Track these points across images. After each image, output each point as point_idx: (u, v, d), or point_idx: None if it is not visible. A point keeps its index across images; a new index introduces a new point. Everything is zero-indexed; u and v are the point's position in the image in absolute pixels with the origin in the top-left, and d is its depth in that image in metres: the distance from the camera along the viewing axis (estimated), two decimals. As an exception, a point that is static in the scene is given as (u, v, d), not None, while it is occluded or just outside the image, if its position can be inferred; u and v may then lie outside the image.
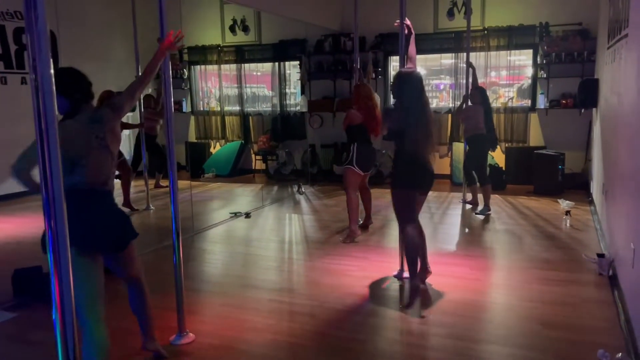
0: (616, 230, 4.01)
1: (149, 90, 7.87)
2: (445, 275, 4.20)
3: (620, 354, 2.75)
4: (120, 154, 6.48)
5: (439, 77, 9.15)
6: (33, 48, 1.46)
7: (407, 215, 3.77)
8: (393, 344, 3.14)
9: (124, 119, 3.33)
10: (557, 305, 3.56)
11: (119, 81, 9.13)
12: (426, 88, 9.04)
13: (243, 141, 9.91)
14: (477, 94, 6.54)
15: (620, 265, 3.69)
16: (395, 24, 4.14)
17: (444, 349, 2.99)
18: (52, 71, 1.46)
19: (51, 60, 1.50)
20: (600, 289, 3.82)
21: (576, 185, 7.37)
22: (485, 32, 8.11)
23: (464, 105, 6.81)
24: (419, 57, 8.71)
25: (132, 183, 6.78)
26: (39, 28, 1.46)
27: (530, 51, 8.06)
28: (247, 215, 6.48)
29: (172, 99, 3.19)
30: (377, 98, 5.71)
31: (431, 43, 8.48)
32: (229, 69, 9.98)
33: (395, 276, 4.17)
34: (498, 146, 8.26)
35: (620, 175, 3.91)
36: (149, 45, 8.21)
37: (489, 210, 6.28)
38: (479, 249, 5.02)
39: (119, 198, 6.79)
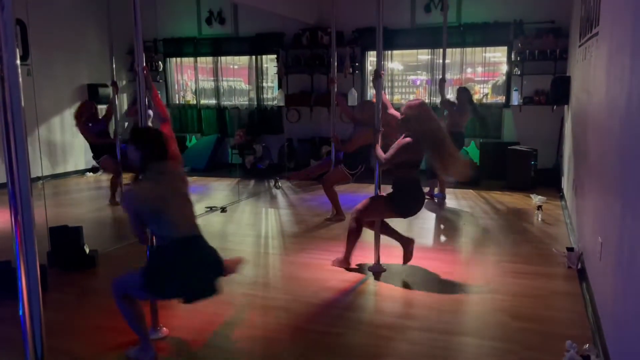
0: (585, 224, 4.11)
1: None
2: (419, 269, 4.24)
3: (588, 344, 2.82)
4: (110, 149, 6.38)
5: (415, 73, 9.21)
6: (-2, 37, 1.43)
7: (367, 217, 4.12)
8: (368, 337, 3.17)
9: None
10: (526, 297, 3.63)
11: (92, 72, 8.99)
12: (402, 84, 9.26)
13: (219, 135, 9.83)
14: (463, 95, 6.70)
15: (588, 259, 3.79)
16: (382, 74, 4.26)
17: (418, 342, 3.03)
18: (18, 61, 1.43)
19: (19, 50, 1.47)
20: (569, 281, 3.91)
21: (548, 181, 7.52)
22: (461, 28, 8.19)
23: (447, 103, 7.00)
24: (396, 52, 8.84)
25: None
26: (4, 16, 1.43)
27: (505, 48, 8.18)
28: (223, 209, 6.44)
29: (146, 94, 3.14)
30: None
31: (408, 38, 8.53)
32: (206, 61, 9.88)
33: (370, 269, 4.20)
34: (473, 141, 8.45)
35: (589, 172, 4.00)
36: (123, 36, 8.11)
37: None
38: (452, 243, 5.08)
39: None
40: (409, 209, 4.04)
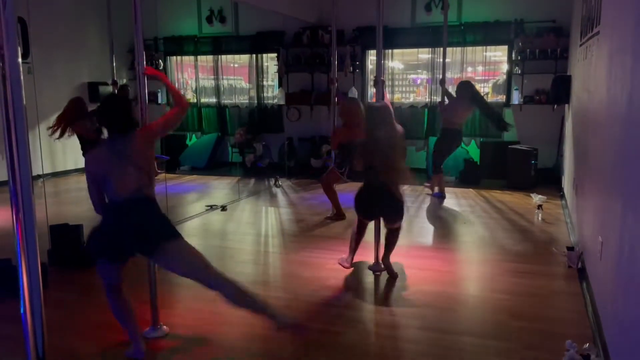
0: (585, 223, 4.11)
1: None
2: (419, 268, 4.25)
3: (588, 344, 2.83)
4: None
5: (416, 72, 9.21)
6: (0, 35, 1.42)
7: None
8: (368, 336, 3.17)
9: None
10: (527, 297, 3.64)
11: (92, 71, 8.98)
12: (403, 83, 9.25)
13: (220, 133, 9.83)
14: (463, 90, 6.67)
15: (588, 258, 3.79)
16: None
17: (418, 341, 3.03)
18: (19, 59, 1.43)
19: (21, 48, 1.47)
20: (569, 281, 3.91)
21: (548, 180, 7.52)
22: (462, 27, 8.19)
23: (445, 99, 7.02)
24: (396, 51, 8.82)
25: None
26: (6, 14, 1.43)
27: (506, 47, 8.17)
28: (223, 208, 6.44)
29: (147, 90, 3.14)
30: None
31: (409, 37, 8.52)
32: (206, 60, 9.87)
33: (370, 268, 4.20)
34: (473, 140, 8.47)
35: (589, 171, 4.00)
36: (124, 34, 8.11)
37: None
38: (453, 242, 5.09)
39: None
40: (364, 210, 4.03)
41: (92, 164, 2.77)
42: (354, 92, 8.68)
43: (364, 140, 3.93)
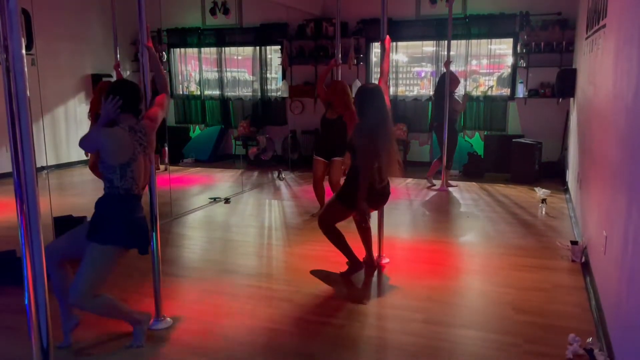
0: (589, 218, 4.09)
1: None
2: (421, 261, 4.25)
3: (591, 338, 2.82)
4: None
5: (420, 65, 9.17)
6: (4, 27, 1.42)
7: (330, 222, 3.84)
8: (370, 329, 3.18)
9: None
10: (530, 290, 3.63)
11: (97, 62, 8.97)
12: (407, 75, 9.22)
13: (223, 126, 9.83)
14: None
15: (592, 252, 3.78)
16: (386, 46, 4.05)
17: (420, 334, 3.04)
18: (23, 51, 1.43)
19: (24, 39, 1.46)
20: (573, 275, 3.91)
21: (552, 174, 7.50)
22: (467, 19, 8.14)
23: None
24: (400, 44, 8.78)
25: None
26: (10, 6, 1.43)
27: (511, 40, 8.12)
28: (227, 200, 6.45)
29: (149, 83, 3.13)
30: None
31: (413, 30, 8.48)
32: (209, 52, 9.85)
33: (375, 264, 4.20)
34: (478, 134, 8.46)
35: (594, 165, 3.98)
36: (127, 26, 8.08)
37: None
38: (455, 236, 5.08)
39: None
40: (349, 202, 3.70)
41: (115, 141, 2.67)
42: (357, 85, 8.65)
43: (363, 135, 3.55)
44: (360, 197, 3.55)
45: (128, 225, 2.76)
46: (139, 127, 2.80)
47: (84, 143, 2.76)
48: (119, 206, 2.74)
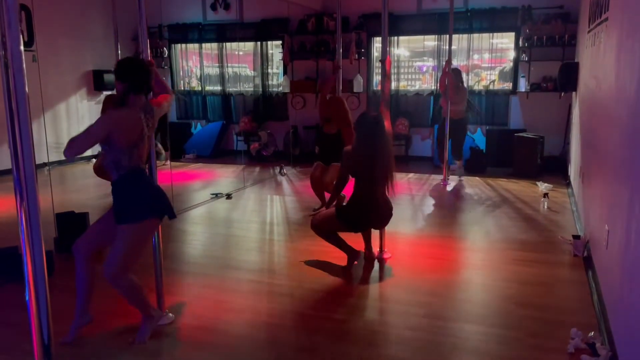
0: (591, 212, 4.08)
1: None
2: (423, 256, 4.25)
3: (593, 332, 2.82)
4: None
5: (421, 59, 9.14)
6: (2, 23, 1.41)
7: (328, 231, 3.95)
8: (371, 323, 3.18)
9: None
10: (532, 285, 3.63)
11: (97, 59, 8.97)
12: (408, 70, 9.19)
13: (224, 122, 9.82)
14: (458, 74, 6.81)
15: (594, 247, 3.77)
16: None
17: (422, 328, 3.04)
18: (22, 47, 1.42)
19: (23, 35, 1.46)
20: (575, 269, 3.90)
21: (555, 168, 7.48)
22: (469, 13, 8.10)
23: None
24: (402, 38, 8.76)
25: None
26: (8, 1, 1.42)
27: (513, 34, 8.09)
28: (228, 196, 6.45)
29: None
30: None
31: (414, 24, 8.46)
32: (211, 47, 9.84)
33: (375, 257, 4.20)
34: (480, 128, 8.44)
35: (596, 159, 3.97)
36: (128, 22, 8.06)
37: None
38: (457, 230, 5.08)
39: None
40: (353, 222, 3.84)
41: (124, 123, 2.66)
42: (359, 80, 8.64)
43: (359, 153, 3.71)
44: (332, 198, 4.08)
45: (152, 195, 2.82)
46: (149, 109, 2.81)
47: (93, 129, 2.62)
48: (136, 182, 2.78)
